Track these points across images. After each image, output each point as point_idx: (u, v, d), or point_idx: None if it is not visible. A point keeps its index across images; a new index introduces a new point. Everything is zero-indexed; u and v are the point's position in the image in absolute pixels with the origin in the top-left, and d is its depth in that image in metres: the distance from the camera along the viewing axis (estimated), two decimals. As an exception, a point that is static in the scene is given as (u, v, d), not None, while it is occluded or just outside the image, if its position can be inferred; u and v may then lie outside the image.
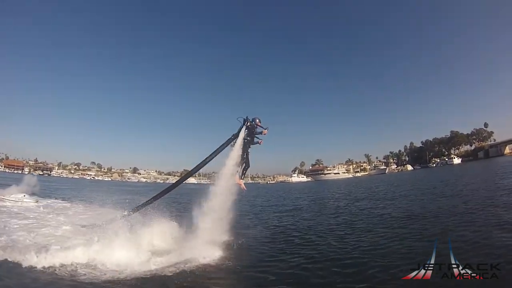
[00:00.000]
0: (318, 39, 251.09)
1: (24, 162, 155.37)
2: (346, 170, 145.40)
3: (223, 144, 9.49)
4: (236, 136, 9.30)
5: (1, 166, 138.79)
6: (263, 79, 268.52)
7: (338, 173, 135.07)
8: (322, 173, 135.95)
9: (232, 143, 9.40)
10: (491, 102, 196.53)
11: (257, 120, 9.38)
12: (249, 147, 9.43)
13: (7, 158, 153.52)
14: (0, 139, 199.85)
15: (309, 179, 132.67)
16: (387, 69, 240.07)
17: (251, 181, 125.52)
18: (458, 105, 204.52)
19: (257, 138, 9.52)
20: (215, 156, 9.46)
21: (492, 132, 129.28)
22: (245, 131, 9.34)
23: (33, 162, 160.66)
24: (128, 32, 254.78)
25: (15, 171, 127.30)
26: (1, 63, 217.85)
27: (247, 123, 9.34)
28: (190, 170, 11.13)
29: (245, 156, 9.29)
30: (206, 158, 9.51)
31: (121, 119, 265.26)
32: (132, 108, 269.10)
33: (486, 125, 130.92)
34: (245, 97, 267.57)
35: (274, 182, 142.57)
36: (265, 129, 9.42)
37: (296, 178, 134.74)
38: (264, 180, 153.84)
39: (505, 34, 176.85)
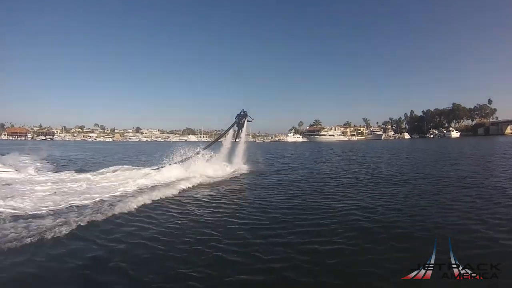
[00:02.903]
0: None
1: (28, 128, 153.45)
2: (342, 133, 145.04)
3: (232, 124, 16.91)
4: (239, 120, 16.83)
5: (5, 135, 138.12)
6: (264, 40, 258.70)
7: (333, 135, 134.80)
8: (318, 134, 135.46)
9: (235, 126, 17.01)
10: (498, 78, 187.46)
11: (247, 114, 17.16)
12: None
13: (12, 126, 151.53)
14: (5, 108, 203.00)
15: (305, 139, 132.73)
16: (394, 34, 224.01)
17: (252, 139, 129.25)
18: (464, 77, 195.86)
19: (250, 117, 17.25)
20: (228, 131, 17.18)
21: (495, 110, 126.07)
22: (246, 120, 16.99)
23: (38, 128, 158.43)
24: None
25: (18, 138, 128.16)
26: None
27: (246, 116, 16.92)
28: (216, 136, 22.09)
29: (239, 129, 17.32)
30: (225, 131, 17.75)
31: (124, 79, 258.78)
32: (135, 68, 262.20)
33: (490, 101, 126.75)
34: (245, 58, 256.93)
35: (269, 141, 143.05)
36: (253, 119, 17.36)
37: (292, 138, 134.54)
38: (263, 138, 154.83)
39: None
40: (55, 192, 8.77)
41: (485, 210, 7.16)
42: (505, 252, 4.70)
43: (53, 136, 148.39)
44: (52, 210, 6.95)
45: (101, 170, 13.54)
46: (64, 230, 5.58)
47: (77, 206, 7.37)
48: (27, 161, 17.84)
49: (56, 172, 13.74)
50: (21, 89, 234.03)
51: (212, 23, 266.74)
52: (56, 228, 5.60)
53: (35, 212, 6.77)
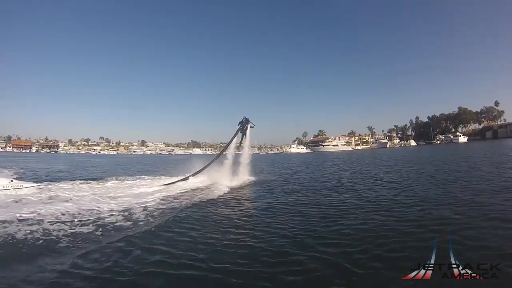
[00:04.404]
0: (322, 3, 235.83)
1: (34, 141, 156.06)
2: (347, 143, 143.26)
3: (236, 132, 17.27)
4: (242, 127, 17.15)
5: (10, 147, 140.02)
6: (268, 52, 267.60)
7: (337, 145, 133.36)
8: (321, 145, 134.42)
9: (239, 132, 17.24)
10: (504, 78, 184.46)
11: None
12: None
13: (18, 138, 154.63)
14: (13, 121, 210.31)
15: (308, 150, 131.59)
16: (396, 40, 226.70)
17: (257, 151, 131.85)
18: (469, 80, 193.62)
19: (252, 123, 17.41)
20: (232, 140, 17.37)
21: (502, 112, 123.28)
22: (249, 126, 17.30)
23: (43, 141, 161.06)
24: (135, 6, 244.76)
25: (23, 151, 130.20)
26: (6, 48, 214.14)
27: (249, 123, 17.20)
28: (222, 149, 19.62)
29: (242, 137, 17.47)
30: (229, 141, 17.68)
31: (130, 93, 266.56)
32: (141, 82, 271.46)
33: (496, 103, 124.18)
34: (247, 67, 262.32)
35: (273, 152, 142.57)
36: (254, 125, 17.55)
37: (295, 149, 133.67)
38: (268, 150, 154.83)
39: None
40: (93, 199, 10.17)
41: (486, 211, 7.17)
42: (505, 252, 4.69)
43: (57, 149, 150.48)
44: (95, 216, 7.94)
45: (126, 179, 16.80)
46: (111, 233, 6.54)
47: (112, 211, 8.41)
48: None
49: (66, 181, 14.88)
50: (29, 102, 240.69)
51: (216, 35, 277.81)
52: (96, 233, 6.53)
53: (78, 217, 7.76)
